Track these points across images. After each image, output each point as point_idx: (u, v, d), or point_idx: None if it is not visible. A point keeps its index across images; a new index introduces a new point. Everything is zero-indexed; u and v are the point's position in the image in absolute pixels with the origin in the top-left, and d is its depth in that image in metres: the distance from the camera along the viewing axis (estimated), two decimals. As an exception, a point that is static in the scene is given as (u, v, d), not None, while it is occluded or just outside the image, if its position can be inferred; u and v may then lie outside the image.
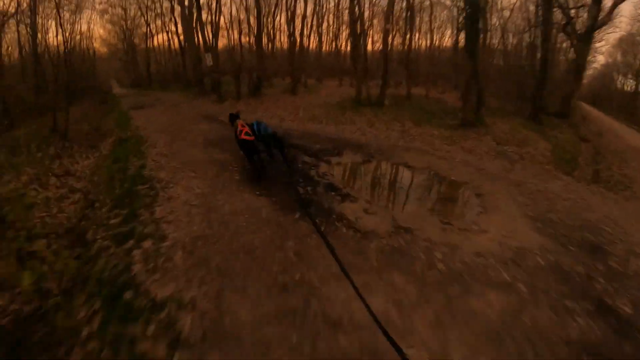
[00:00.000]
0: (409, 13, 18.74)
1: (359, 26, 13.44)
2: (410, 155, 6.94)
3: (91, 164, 8.56)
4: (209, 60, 13.62)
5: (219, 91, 14.21)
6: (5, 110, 12.78)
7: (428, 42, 26.04)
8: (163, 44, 29.36)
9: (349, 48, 28.79)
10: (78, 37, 23.03)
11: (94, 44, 29.53)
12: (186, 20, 16.26)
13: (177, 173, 5.51)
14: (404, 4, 18.78)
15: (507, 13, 22.10)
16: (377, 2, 24.56)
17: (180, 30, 22.66)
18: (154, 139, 8.00)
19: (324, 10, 26.28)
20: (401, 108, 13.29)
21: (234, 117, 6.13)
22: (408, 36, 19.58)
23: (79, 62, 23.39)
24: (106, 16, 23.84)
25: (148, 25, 25.73)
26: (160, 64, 32.00)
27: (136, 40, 27.96)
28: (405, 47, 19.93)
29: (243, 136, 5.26)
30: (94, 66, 29.14)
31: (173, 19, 23.46)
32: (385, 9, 16.59)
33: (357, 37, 13.49)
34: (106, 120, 14.00)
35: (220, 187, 4.94)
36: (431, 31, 25.06)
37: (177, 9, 19.64)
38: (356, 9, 14.01)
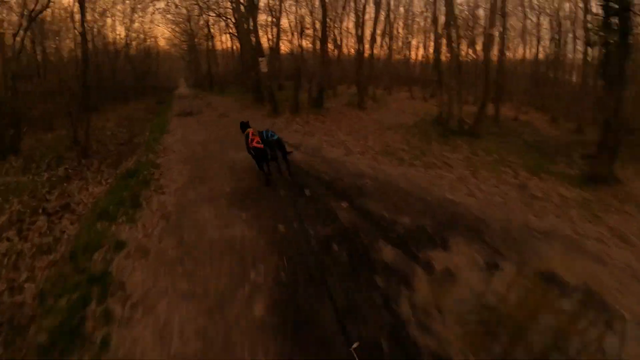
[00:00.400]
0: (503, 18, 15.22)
1: (454, 31, 10.40)
2: (554, 252, 3.86)
3: (102, 192, 6.73)
4: (263, 65, 11.54)
5: (273, 102, 12.04)
6: (45, 111, 11.87)
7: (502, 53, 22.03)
8: (225, 46, 28.57)
9: (419, 56, 25.62)
10: (142, 35, 22.68)
11: (159, 43, 29.68)
12: (242, 21, 14.51)
13: (160, 277, 3.10)
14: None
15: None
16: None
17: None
18: (170, 176, 5.88)
19: (393, 16, 23.35)
20: (499, 138, 9.97)
21: (244, 126, 6.10)
22: (497, 46, 16.02)
23: (139, 61, 23.10)
24: (168, 16, 23.27)
25: (208, 26, 24.85)
26: (221, 66, 31.39)
27: (199, 41, 27.38)
28: (498, 58, 16.35)
29: (254, 144, 5.37)
30: (157, 65, 29.23)
31: (234, 20, 22.20)
32: (488, 11, 13.29)
33: (452, 44, 10.42)
34: (148, 126, 12.59)
35: (221, 343, 2.40)
36: (522, 41, 20.94)
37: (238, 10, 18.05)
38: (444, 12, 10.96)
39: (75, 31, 13.32)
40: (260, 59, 11.48)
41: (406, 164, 6.67)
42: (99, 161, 8.56)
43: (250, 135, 5.57)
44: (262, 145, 5.27)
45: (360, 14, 18.62)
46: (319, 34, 16.81)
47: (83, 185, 7.25)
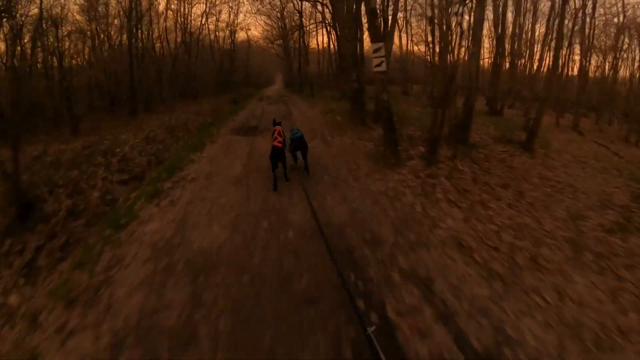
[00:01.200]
0: None
1: None
2: None
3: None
4: (379, 58, 6.20)
5: (393, 139, 6.29)
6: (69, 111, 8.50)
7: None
8: (319, 43, 24.25)
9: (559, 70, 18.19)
10: (230, 28, 19.49)
11: (253, 38, 26.70)
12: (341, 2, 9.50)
13: None
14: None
15: None
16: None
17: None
18: None
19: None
20: None
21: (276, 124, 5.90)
22: None
23: (224, 55, 20.02)
24: (257, 5, 19.90)
25: (301, 17, 20.67)
26: (314, 65, 27.16)
27: (291, 36, 23.56)
28: None
29: (275, 143, 5.11)
30: (247, 60, 26.31)
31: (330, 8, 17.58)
32: None
33: None
34: (185, 144, 8.35)
35: None
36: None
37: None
38: None
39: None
40: (375, 46, 6.06)
41: None
42: (40, 237, 4.15)
43: (275, 134, 5.42)
44: (280, 145, 5.01)
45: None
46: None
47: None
